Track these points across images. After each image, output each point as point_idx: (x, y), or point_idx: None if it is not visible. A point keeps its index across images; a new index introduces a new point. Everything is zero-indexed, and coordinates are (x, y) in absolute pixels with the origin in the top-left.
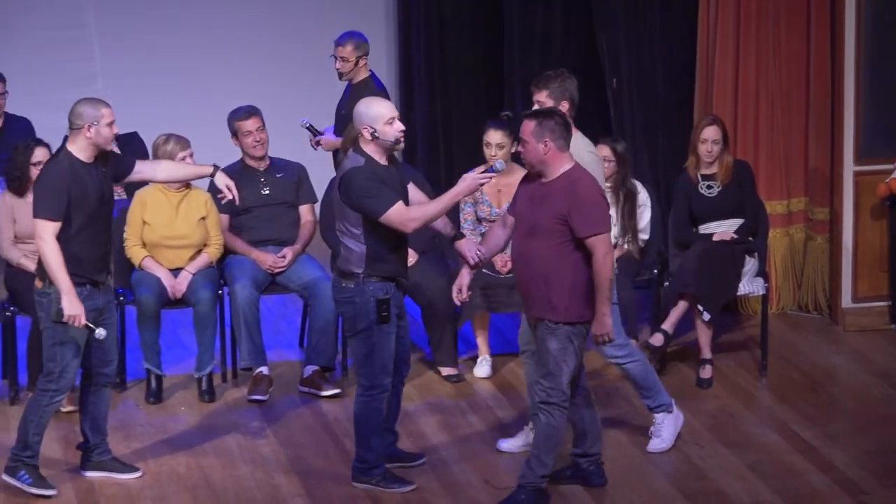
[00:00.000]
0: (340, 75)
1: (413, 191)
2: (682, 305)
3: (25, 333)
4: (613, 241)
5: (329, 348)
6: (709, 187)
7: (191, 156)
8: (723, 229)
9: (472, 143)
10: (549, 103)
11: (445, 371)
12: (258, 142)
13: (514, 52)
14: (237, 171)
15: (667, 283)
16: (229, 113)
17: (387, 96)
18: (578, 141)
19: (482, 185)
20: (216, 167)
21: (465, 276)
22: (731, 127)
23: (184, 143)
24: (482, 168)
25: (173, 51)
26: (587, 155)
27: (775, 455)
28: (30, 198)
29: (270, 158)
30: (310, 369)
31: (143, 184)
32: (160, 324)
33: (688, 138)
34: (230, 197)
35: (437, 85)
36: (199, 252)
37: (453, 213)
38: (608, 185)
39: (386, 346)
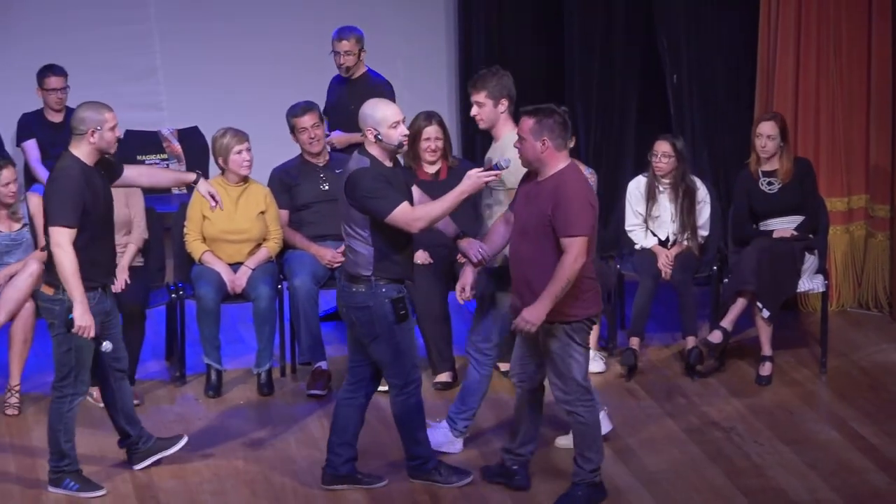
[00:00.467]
0: (347, 70)
1: (416, 192)
2: (741, 302)
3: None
4: (673, 237)
5: None
6: (769, 184)
7: (247, 150)
8: (783, 226)
9: None
10: (489, 103)
11: (504, 366)
12: (313, 138)
13: (574, 51)
14: (296, 167)
15: (726, 280)
16: (287, 109)
17: (391, 88)
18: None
19: (487, 182)
20: (199, 174)
21: (468, 276)
22: (791, 124)
23: (241, 136)
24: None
25: (233, 46)
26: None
27: (834, 452)
28: None
29: (330, 154)
30: None
31: None
32: (219, 319)
33: (748, 135)
34: (213, 205)
35: None
36: (258, 247)
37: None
38: (667, 181)
39: (410, 342)
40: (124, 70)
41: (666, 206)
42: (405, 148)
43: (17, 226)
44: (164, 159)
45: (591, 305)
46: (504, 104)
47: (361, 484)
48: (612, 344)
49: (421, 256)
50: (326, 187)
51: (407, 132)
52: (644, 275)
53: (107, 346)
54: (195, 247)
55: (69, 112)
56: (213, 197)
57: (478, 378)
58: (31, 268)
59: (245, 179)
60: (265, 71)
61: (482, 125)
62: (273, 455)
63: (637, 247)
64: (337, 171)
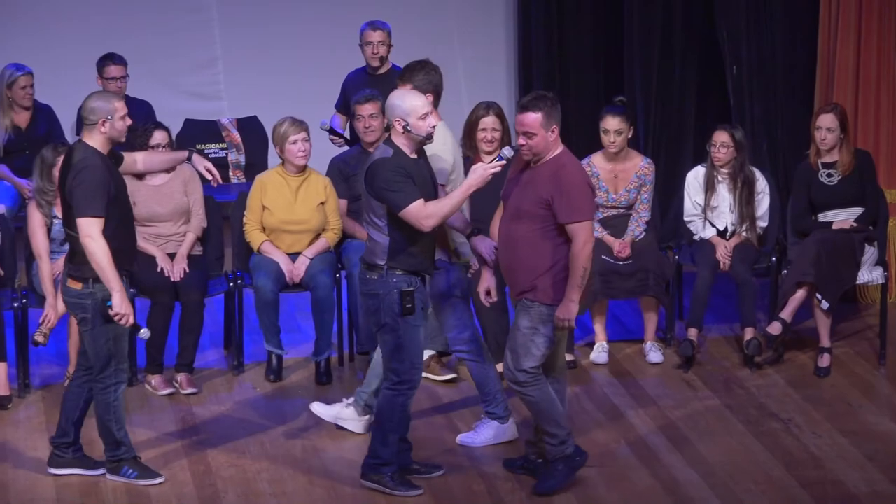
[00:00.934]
0: (380, 60)
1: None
2: (800, 294)
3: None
4: (731, 228)
5: (443, 334)
6: (829, 175)
7: (303, 140)
8: (842, 218)
9: (591, 130)
10: None
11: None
12: (367, 128)
13: (633, 41)
14: (355, 156)
15: (785, 272)
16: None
17: None
18: (441, 131)
19: (493, 174)
20: (191, 150)
21: (488, 278)
22: (851, 115)
23: (298, 126)
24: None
25: (294, 35)
26: (441, 147)
27: (893, 444)
28: (149, 180)
29: None
30: (426, 354)
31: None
32: (278, 307)
33: (808, 127)
34: (210, 178)
35: (555, 72)
36: (317, 236)
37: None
38: (726, 171)
39: (413, 341)
40: (185, 59)
41: (725, 197)
42: (432, 140)
43: None
44: (223, 148)
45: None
46: (430, 98)
47: (419, 474)
48: (670, 335)
49: None
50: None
51: (435, 123)
52: (702, 265)
53: (145, 333)
54: (254, 237)
55: (128, 101)
56: (209, 171)
57: (478, 368)
58: None
59: (304, 169)
60: (326, 60)
61: None
62: (331, 443)
63: (696, 237)
64: None
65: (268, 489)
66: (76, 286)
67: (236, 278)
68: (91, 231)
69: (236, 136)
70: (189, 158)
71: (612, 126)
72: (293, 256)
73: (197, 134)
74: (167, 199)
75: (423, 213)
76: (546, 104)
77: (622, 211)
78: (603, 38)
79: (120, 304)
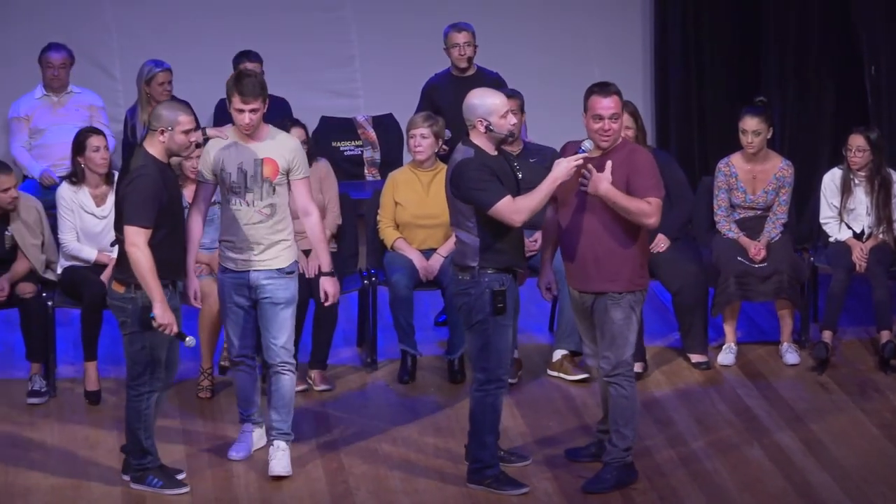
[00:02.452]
0: (468, 61)
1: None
2: None
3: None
4: (868, 230)
5: (577, 333)
6: None
7: (422, 135)
8: None
9: (726, 130)
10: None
11: (695, 358)
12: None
13: (770, 38)
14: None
15: None
16: None
17: (505, 82)
18: None
19: (575, 168)
20: (203, 129)
21: (549, 273)
22: None
23: (418, 121)
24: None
25: (430, 33)
26: None
27: None
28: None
29: (524, 142)
30: (558, 353)
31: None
32: (413, 305)
33: None
34: (221, 135)
35: (691, 72)
36: (452, 233)
37: (707, 199)
38: (862, 174)
39: (502, 340)
40: (322, 57)
41: (861, 199)
42: (514, 137)
43: None
44: (358, 146)
45: (646, 276)
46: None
47: (505, 462)
48: (804, 337)
49: (662, 242)
50: (520, 176)
51: (515, 121)
52: (838, 267)
53: (190, 341)
54: (388, 234)
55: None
56: (222, 131)
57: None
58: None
59: (434, 164)
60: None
61: (253, 130)
62: (462, 441)
63: (831, 239)
64: (531, 161)
65: (399, 487)
66: (119, 289)
67: (370, 276)
68: (136, 240)
69: (372, 134)
70: (205, 137)
71: (751, 126)
72: (427, 253)
73: (333, 131)
74: None
75: (512, 208)
76: (619, 90)
77: (759, 212)
78: (739, 38)
79: (162, 314)
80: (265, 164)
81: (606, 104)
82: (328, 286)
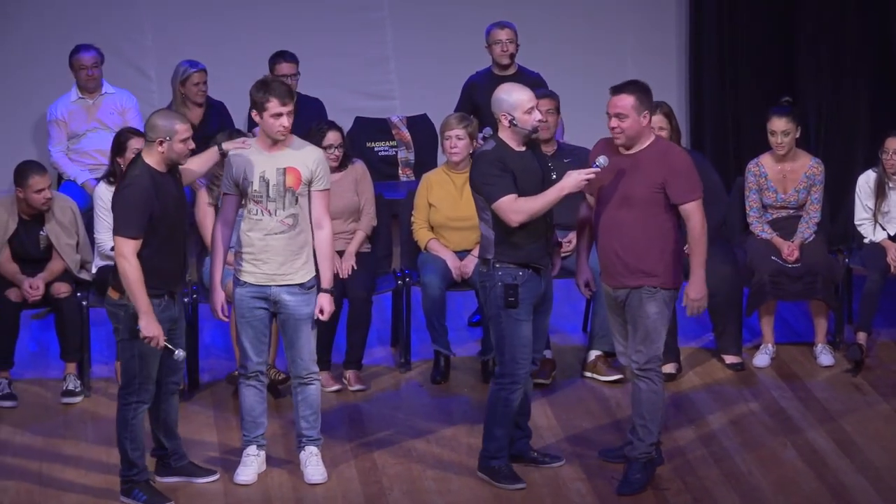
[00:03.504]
0: (510, 57)
1: None
2: None
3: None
4: None
5: (610, 334)
6: None
7: (457, 137)
8: None
9: (762, 127)
10: None
11: (729, 359)
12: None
13: (805, 39)
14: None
15: None
16: None
17: (544, 81)
18: None
19: (587, 181)
20: (217, 142)
21: (587, 270)
22: None
23: (453, 122)
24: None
25: (465, 34)
26: None
27: None
28: (337, 175)
29: (557, 142)
30: (592, 354)
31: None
32: (446, 305)
33: None
34: (243, 145)
35: (726, 69)
36: None
37: (740, 200)
38: None
39: (515, 334)
40: (357, 58)
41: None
42: (540, 133)
43: None
44: (392, 146)
45: (681, 274)
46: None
47: (538, 463)
48: (838, 338)
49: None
50: (555, 176)
51: (541, 117)
52: (872, 269)
53: (179, 354)
54: (421, 234)
55: (300, 98)
56: (243, 142)
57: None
58: None
59: (469, 166)
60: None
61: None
62: None
63: (866, 241)
64: (565, 161)
65: (433, 487)
66: (114, 295)
67: (404, 276)
68: (123, 250)
69: (406, 135)
70: (222, 152)
71: (779, 127)
72: (461, 254)
73: (368, 132)
74: (337, 197)
75: (512, 207)
76: (639, 89)
77: (791, 212)
78: (774, 38)
79: (146, 326)
80: (288, 174)
81: (612, 101)
82: (325, 302)
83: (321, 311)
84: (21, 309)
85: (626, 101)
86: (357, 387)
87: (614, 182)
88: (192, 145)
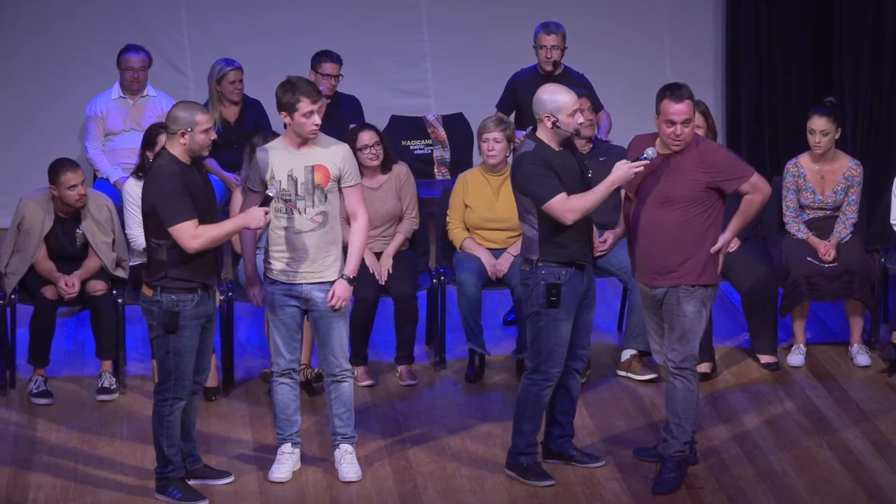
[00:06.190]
0: (554, 64)
1: None
2: None
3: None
4: None
5: (645, 333)
6: None
7: (495, 140)
8: None
9: (799, 127)
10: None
11: (764, 359)
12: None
13: (843, 39)
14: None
15: None
16: None
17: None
18: None
19: (636, 173)
20: (266, 194)
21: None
22: None
23: (490, 125)
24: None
25: (502, 34)
26: None
27: None
28: (365, 182)
29: (594, 142)
30: (627, 353)
31: (465, 166)
32: (481, 304)
33: None
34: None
35: (763, 72)
36: (520, 235)
37: (777, 200)
38: None
39: (554, 333)
40: (393, 56)
41: None
42: (581, 134)
43: None
44: (428, 145)
45: (718, 273)
46: None
47: (578, 462)
48: (874, 338)
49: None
50: (590, 175)
51: (582, 120)
52: None
53: (271, 191)
54: (457, 234)
55: (338, 96)
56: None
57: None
58: None
59: (504, 168)
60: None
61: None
62: None
63: None
64: (601, 159)
65: (467, 486)
66: (148, 292)
67: (439, 275)
68: (190, 233)
69: (441, 133)
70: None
71: (819, 126)
72: (496, 253)
73: (403, 130)
74: (379, 203)
75: (565, 206)
76: (689, 93)
77: (828, 213)
78: (812, 38)
79: (255, 219)
80: (316, 171)
81: (679, 109)
82: (339, 288)
83: (332, 296)
84: (57, 307)
85: (690, 105)
86: (409, 381)
87: (652, 182)
88: (213, 136)
